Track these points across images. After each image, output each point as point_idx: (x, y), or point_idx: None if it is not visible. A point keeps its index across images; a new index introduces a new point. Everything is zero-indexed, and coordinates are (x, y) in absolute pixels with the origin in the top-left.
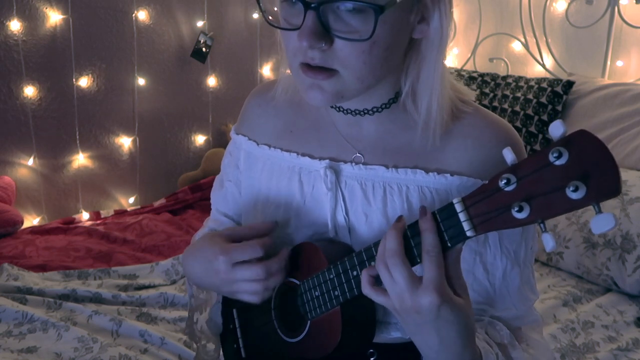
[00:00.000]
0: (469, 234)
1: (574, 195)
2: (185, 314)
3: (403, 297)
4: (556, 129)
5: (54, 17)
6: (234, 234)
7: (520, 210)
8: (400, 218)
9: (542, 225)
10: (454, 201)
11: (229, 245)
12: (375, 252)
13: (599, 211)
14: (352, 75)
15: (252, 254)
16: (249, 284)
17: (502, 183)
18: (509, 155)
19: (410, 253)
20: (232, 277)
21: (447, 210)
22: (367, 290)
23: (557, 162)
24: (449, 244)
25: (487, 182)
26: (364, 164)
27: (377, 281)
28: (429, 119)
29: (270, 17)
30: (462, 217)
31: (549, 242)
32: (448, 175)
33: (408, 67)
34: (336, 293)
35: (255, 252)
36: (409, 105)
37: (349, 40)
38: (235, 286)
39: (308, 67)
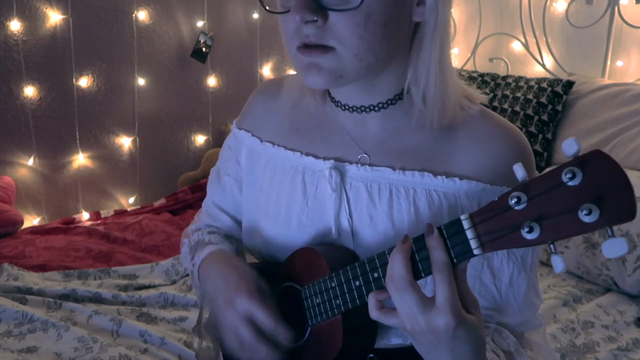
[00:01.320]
0: (476, 252)
1: (587, 219)
2: (185, 313)
3: (416, 319)
4: (569, 147)
5: (54, 17)
6: (265, 290)
7: (531, 230)
8: (406, 238)
9: (552, 246)
10: (462, 217)
11: (256, 295)
12: (378, 264)
13: (612, 235)
14: (349, 52)
15: (265, 325)
16: (235, 339)
17: (512, 202)
18: (519, 172)
19: (415, 267)
20: (232, 323)
21: (454, 226)
22: (374, 314)
23: (571, 183)
24: (455, 261)
25: (496, 199)
26: (370, 165)
27: (385, 302)
28: (426, 104)
29: (267, 8)
30: (469, 234)
31: (558, 264)
32: (457, 179)
33: (412, 57)
34: (338, 302)
35: (268, 326)
36: (413, 94)
37: (340, 10)
38: (228, 329)
39: (305, 47)
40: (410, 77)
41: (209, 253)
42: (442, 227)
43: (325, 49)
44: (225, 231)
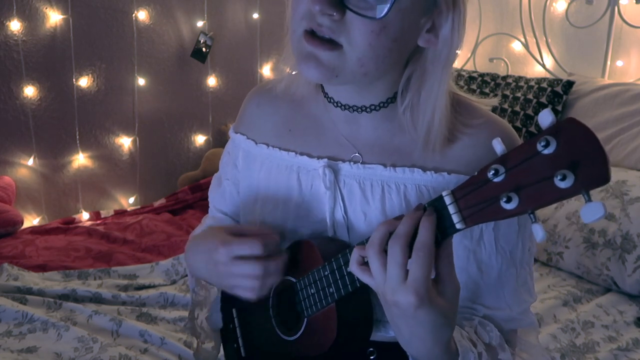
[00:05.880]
0: (458, 226)
1: (562, 184)
2: (185, 313)
3: (385, 291)
4: (545, 118)
5: (54, 17)
6: (238, 230)
7: (509, 200)
8: (420, 206)
9: (532, 216)
10: (443, 194)
11: (231, 237)
12: None
13: (589, 200)
14: (355, 55)
15: (251, 250)
16: (246, 280)
17: (490, 174)
18: (498, 146)
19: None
20: (230, 270)
21: (437, 203)
22: (354, 267)
23: (545, 151)
24: (439, 237)
25: (476, 173)
26: (362, 163)
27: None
28: (429, 135)
29: None
30: (451, 209)
31: (538, 232)
32: (445, 173)
33: (410, 78)
34: (331, 290)
35: (255, 249)
36: (406, 118)
37: (361, 15)
38: (233, 280)
39: (312, 36)
40: (407, 103)
41: (190, 238)
42: (426, 205)
43: (332, 44)
44: None
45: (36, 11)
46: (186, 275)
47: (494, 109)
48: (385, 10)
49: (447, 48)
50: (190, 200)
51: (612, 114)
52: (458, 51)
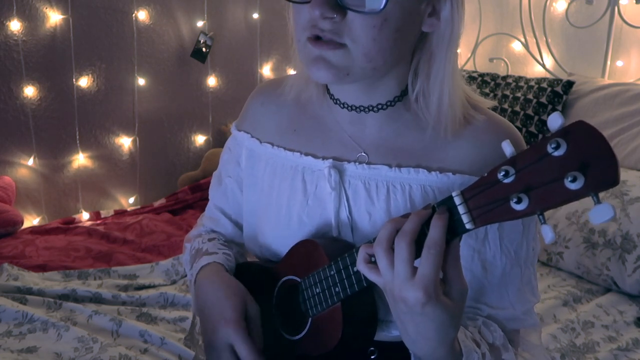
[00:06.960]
0: (468, 226)
1: (572, 186)
2: (185, 313)
3: (392, 286)
4: (554, 121)
5: (54, 17)
6: (251, 314)
7: (519, 201)
8: (428, 206)
9: (541, 217)
10: (453, 194)
11: (242, 325)
12: None
13: (598, 201)
14: (360, 51)
15: (244, 357)
16: None
17: (500, 175)
18: (507, 148)
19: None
20: (219, 349)
21: (446, 203)
22: (361, 266)
23: (556, 153)
24: (448, 237)
25: (486, 174)
26: (367, 163)
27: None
28: (440, 116)
29: None
30: (461, 209)
31: (548, 233)
32: (450, 174)
33: (417, 65)
34: (337, 289)
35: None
36: (419, 105)
37: (360, 12)
38: (214, 354)
39: (316, 40)
40: (418, 89)
41: (201, 267)
42: (435, 205)
43: (337, 44)
44: (227, 237)
45: (36, 11)
46: (186, 276)
47: (493, 109)
48: (383, 3)
49: (449, 28)
50: (190, 200)
51: (612, 114)
52: (460, 32)
